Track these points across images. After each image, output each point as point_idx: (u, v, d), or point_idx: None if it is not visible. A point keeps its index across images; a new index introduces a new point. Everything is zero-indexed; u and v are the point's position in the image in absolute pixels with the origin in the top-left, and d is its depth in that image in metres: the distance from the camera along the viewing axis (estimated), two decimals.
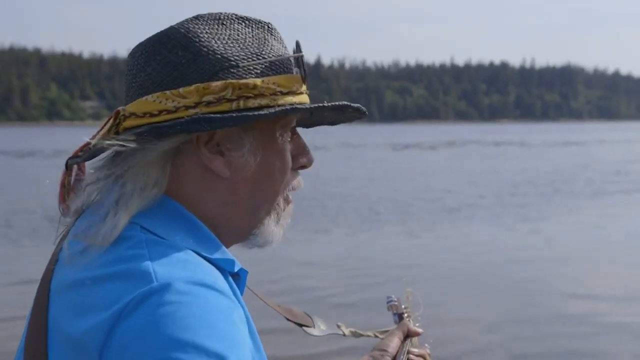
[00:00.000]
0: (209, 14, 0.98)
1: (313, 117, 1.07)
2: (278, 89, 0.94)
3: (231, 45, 0.94)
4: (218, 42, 0.94)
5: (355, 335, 1.36)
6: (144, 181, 0.90)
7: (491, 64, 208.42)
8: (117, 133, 0.93)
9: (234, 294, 0.89)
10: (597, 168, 25.19)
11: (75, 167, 0.96)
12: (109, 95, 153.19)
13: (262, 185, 0.97)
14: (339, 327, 1.32)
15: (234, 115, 0.89)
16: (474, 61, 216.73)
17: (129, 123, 0.92)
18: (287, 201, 1.02)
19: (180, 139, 0.91)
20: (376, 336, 1.37)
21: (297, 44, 0.98)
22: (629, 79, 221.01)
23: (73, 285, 0.84)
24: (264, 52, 0.96)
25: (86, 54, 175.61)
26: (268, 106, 0.93)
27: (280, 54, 0.98)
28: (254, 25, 0.98)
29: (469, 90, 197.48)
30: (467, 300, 7.29)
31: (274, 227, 1.00)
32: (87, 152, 0.93)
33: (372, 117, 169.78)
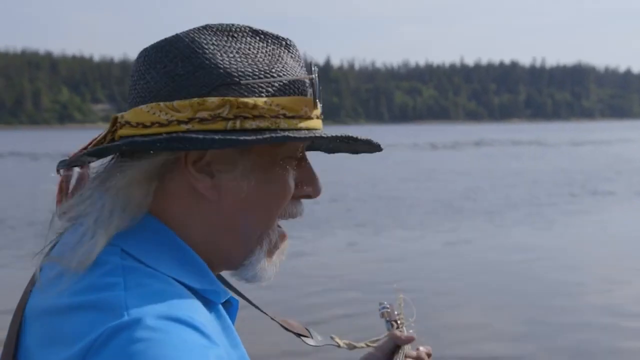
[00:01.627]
0: (219, 24, 0.91)
1: (324, 144, 1.00)
2: (282, 111, 0.87)
3: (238, 59, 0.88)
4: (224, 55, 0.88)
5: (350, 347, 1.33)
6: (125, 201, 0.85)
7: (501, 64, 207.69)
8: (112, 140, 0.89)
9: (222, 323, 0.86)
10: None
11: (74, 170, 0.92)
12: (120, 98, 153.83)
13: (253, 212, 0.90)
14: (332, 338, 1.31)
15: (217, 137, 0.83)
16: (484, 61, 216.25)
17: (123, 132, 0.88)
18: (282, 237, 0.95)
19: (164, 157, 0.86)
20: (368, 346, 1.36)
21: (312, 66, 0.92)
22: None
23: (44, 313, 0.81)
24: (273, 70, 0.89)
25: (97, 57, 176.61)
26: (268, 129, 0.86)
27: (295, 73, 0.91)
28: (269, 40, 0.92)
29: (479, 90, 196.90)
30: (491, 303, 7.20)
31: (264, 262, 0.93)
32: (75, 158, 0.90)
33: (381, 118, 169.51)
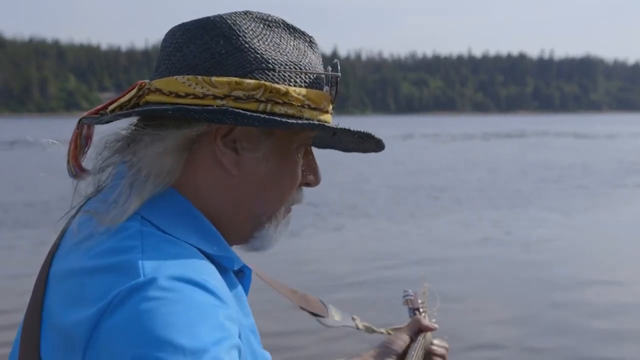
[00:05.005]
0: (258, 12, 0.97)
1: (329, 139, 1.06)
2: (307, 102, 0.93)
3: (272, 48, 0.93)
4: (260, 42, 0.93)
5: (369, 330, 1.34)
6: (159, 168, 0.89)
7: (509, 55, 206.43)
8: (137, 105, 0.92)
9: (235, 290, 0.90)
10: None
11: (85, 127, 0.94)
12: (127, 87, 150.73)
13: (268, 192, 0.95)
14: (353, 319, 1.32)
15: (262, 116, 0.89)
16: (492, 52, 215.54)
17: (152, 98, 0.91)
18: (287, 210, 1.01)
19: (201, 128, 0.90)
20: (389, 333, 1.34)
21: (336, 65, 0.98)
22: None
23: (68, 275, 0.85)
24: (301, 63, 0.95)
25: (104, 46, 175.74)
26: (294, 116, 0.92)
27: (317, 69, 0.97)
28: (297, 35, 0.98)
29: (486, 82, 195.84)
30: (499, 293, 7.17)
31: (273, 233, 0.98)
32: (103, 116, 0.91)
33: (388, 109, 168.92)
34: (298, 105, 0.92)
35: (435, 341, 1.35)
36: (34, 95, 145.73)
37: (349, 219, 11.87)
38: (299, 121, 0.91)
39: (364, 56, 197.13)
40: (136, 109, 0.91)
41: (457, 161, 24.75)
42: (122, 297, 0.77)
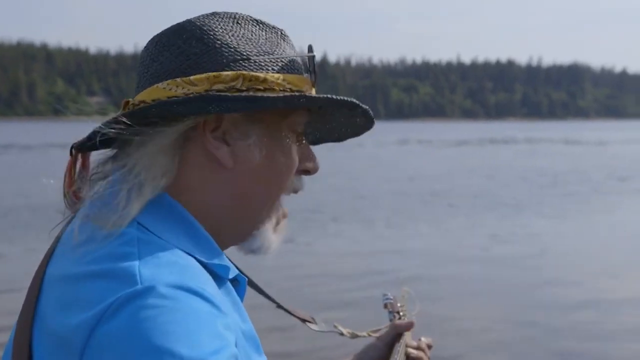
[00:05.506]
0: (225, 12, 0.98)
1: (319, 129, 1.07)
2: (288, 85, 0.94)
3: (244, 42, 0.95)
4: (232, 37, 0.94)
5: (352, 336, 1.36)
6: (155, 168, 0.89)
7: (498, 62, 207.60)
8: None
9: (231, 299, 0.89)
10: None
11: (80, 156, 0.94)
12: (115, 91, 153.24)
13: (265, 180, 0.95)
14: (335, 327, 1.34)
15: (244, 95, 0.89)
16: (481, 59, 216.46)
17: None
18: (284, 214, 1.01)
19: (188, 123, 0.90)
20: (370, 335, 1.38)
21: (310, 47, 0.98)
22: (636, 77, 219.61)
23: (63, 279, 0.84)
24: (276, 52, 0.96)
25: (93, 50, 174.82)
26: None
27: (295, 56, 0.98)
28: (268, 29, 0.99)
29: (476, 88, 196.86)
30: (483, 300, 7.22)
31: (271, 234, 0.98)
32: (93, 139, 0.91)
33: (377, 115, 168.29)
34: (280, 90, 0.93)
35: (414, 343, 1.36)
36: (22, 99, 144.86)
37: (351, 225, 11.90)
38: (291, 94, 0.92)
39: (353, 62, 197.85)
40: (118, 117, 0.90)
41: (457, 167, 24.94)
42: (119, 303, 0.76)
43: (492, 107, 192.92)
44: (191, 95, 0.89)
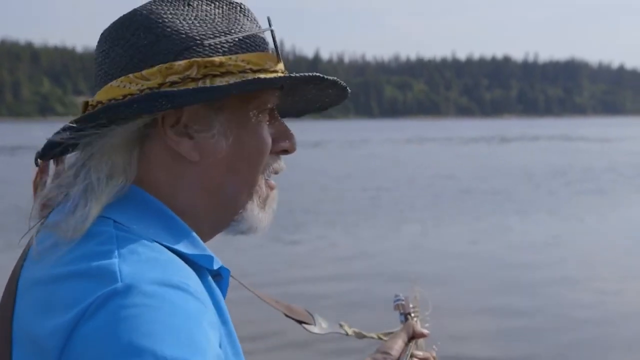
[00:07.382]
0: None
1: (297, 102, 1.03)
2: (247, 66, 0.90)
3: (197, 25, 0.91)
4: (183, 22, 0.91)
5: (359, 336, 1.28)
6: (110, 169, 0.86)
7: (493, 59, 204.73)
8: None
9: (213, 295, 0.86)
10: None
11: (46, 164, 0.93)
12: None
13: (237, 168, 0.92)
14: (341, 326, 1.27)
15: (192, 88, 0.86)
16: (476, 55, 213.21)
17: None
18: (269, 186, 0.97)
19: (141, 120, 0.87)
20: (380, 338, 1.29)
21: (268, 20, 0.95)
22: (634, 73, 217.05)
23: (39, 283, 0.81)
24: (232, 31, 0.92)
25: (79, 48, 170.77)
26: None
27: (252, 32, 0.94)
28: (224, 6, 0.95)
29: (471, 85, 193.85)
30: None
31: (258, 213, 0.95)
32: (49, 147, 0.89)
33: (371, 113, 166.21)
34: (239, 72, 0.89)
35: (420, 353, 1.25)
36: (7, 98, 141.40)
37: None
38: (243, 79, 0.88)
39: (346, 59, 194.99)
40: (71, 126, 0.87)
41: (474, 165, 25.04)
42: (99, 303, 0.73)
43: (488, 104, 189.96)
44: (136, 95, 0.86)
